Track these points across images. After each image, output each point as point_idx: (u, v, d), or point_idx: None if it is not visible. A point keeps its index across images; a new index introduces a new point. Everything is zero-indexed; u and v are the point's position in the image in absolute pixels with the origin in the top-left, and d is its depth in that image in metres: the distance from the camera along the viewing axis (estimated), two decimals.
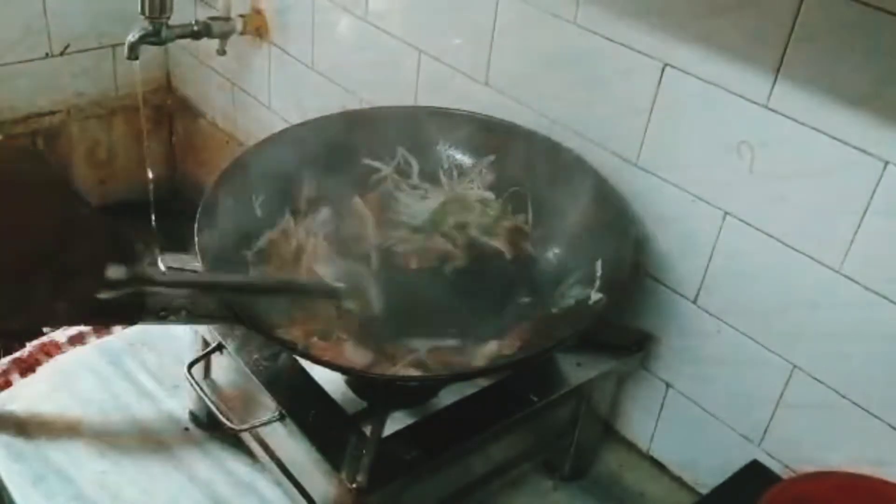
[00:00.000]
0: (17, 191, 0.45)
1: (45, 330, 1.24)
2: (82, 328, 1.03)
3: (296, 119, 1.32)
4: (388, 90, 1.14)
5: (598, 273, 0.82)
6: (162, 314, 0.70)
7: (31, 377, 0.98)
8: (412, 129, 0.98)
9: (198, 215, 0.81)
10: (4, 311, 0.46)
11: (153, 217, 1.42)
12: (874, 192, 0.70)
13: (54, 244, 0.47)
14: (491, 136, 0.96)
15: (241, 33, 1.34)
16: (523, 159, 0.93)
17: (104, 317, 0.71)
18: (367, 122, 0.99)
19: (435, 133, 0.98)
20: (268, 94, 1.38)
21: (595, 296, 0.80)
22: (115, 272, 0.54)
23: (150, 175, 1.46)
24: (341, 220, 0.93)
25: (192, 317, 0.73)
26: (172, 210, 1.49)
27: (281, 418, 0.75)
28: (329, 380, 0.80)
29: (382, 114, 1.03)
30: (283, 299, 0.82)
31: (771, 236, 0.78)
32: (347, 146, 0.96)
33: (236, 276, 0.81)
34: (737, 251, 0.81)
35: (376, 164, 0.97)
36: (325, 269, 0.86)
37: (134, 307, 0.68)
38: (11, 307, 0.47)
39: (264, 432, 0.83)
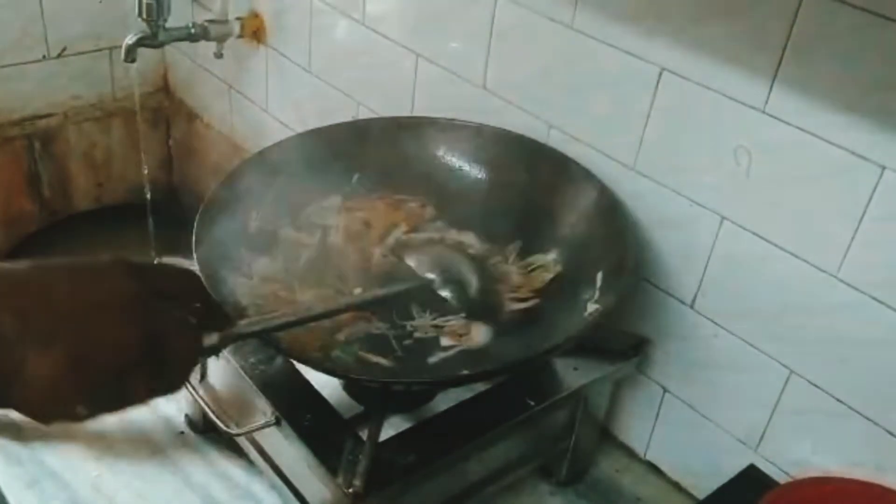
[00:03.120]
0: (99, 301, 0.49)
1: None
2: None
3: (293, 122, 1.33)
4: (386, 94, 1.14)
5: (598, 284, 0.82)
6: None
7: None
8: (411, 138, 0.98)
9: (195, 221, 0.81)
10: (100, 408, 0.50)
11: (150, 220, 1.42)
12: (871, 196, 0.70)
13: (144, 353, 0.50)
14: (489, 145, 0.96)
15: (239, 36, 1.33)
16: (523, 168, 0.94)
17: None
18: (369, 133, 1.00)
19: (434, 143, 0.98)
20: (265, 98, 1.38)
21: (591, 307, 0.80)
22: (209, 340, 0.57)
23: (147, 178, 1.46)
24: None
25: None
26: (169, 213, 1.49)
27: (277, 422, 0.75)
28: (325, 384, 0.79)
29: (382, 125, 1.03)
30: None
31: (768, 241, 0.78)
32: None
33: (325, 305, 0.81)
34: (734, 256, 0.81)
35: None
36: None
37: None
38: (108, 405, 0.50)
39: (260, 436, 0.83)
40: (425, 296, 0.85)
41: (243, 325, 0.62)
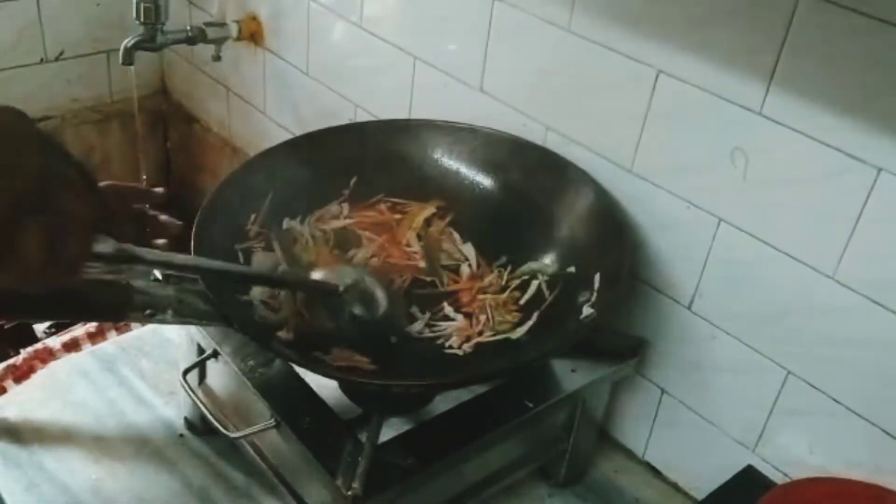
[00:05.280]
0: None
1: (38, 336, 1.24)
2: (76, 333, 1.03)
3: (291, 125, 1.33)
4: (383, 96, 1.14)
5: (596, 286, 0.82)
6: (148, 312, 0.69)
7: (26, 384, 0.98)
8: (409, 141, 0.98)
9: (194, 223, 0.81)
10: None
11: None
12: (867, 198, 0.70)
13: (40, 198, 0.45)
14: (487, 147, 0.96)
15: (236, 39, 1.34)
16: (521, 171, 0.94)
17: (90, 312, 0.71)
18: (366, 135, 1.00)
19: (432, 145, 0.98)
20: (263, 100, 1.38)
21: (587, 310, 0.81)
22: (103, 245, 0.53)
23: (145, 180, 1.47)
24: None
25: (179, 316, 0.72)
26: (167, 215, 1.48)
27: (276, 425, 0.75)
28: (324, 386, 0.80)
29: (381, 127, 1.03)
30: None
31: (765, 243, 0.78)
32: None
33: (230, 263, 0.81)
34: (731, 257, 0.81)
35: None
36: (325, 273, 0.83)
37: (120, 302, 0.68)
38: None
39: (260, 439, 0.83)
40: (330, 301, 0.80)
41: (144, 250, 0.59)
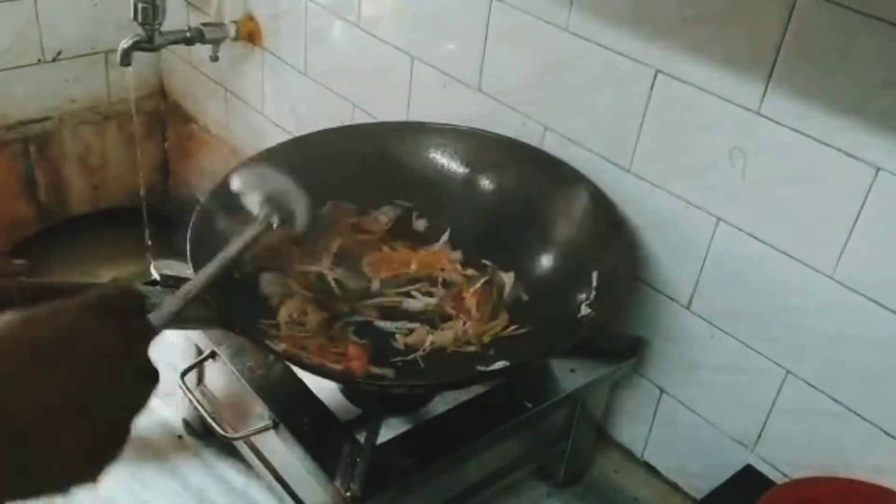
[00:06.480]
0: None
1: None
2: None
3: (289, 125, 1.33)
4: (382, 96, 1.14)
5: (594, 285, 0.82)
6: None
7: None
8: (406, 142, 0.98)
9: (191, 225, 0.81)
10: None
11: (146, 222, 1.42)
12: (866, 197, 0.70)
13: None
14: (483, 149, 0.96)
15: (234, 39, 1.33)
16: (518, 172, 0.94)
17: None
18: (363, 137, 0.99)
19: (429, 147, 0.98)
20: (261, 100, 1.38)
21: (585, 310, 0.80)
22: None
23: (143, 181, 1.46)
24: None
25: (181, 321, 0.72)
26: (165, 216, 1.48)
27: (274, 426, 0.75)
28: (323, 387, 0.80)
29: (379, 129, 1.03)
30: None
31: (764, 242, 0.78)
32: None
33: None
34: (730, 257, 0.81)
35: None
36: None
37: None
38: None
39: (258, 440, 0.83)
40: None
41: (155, 317, 0.59)
